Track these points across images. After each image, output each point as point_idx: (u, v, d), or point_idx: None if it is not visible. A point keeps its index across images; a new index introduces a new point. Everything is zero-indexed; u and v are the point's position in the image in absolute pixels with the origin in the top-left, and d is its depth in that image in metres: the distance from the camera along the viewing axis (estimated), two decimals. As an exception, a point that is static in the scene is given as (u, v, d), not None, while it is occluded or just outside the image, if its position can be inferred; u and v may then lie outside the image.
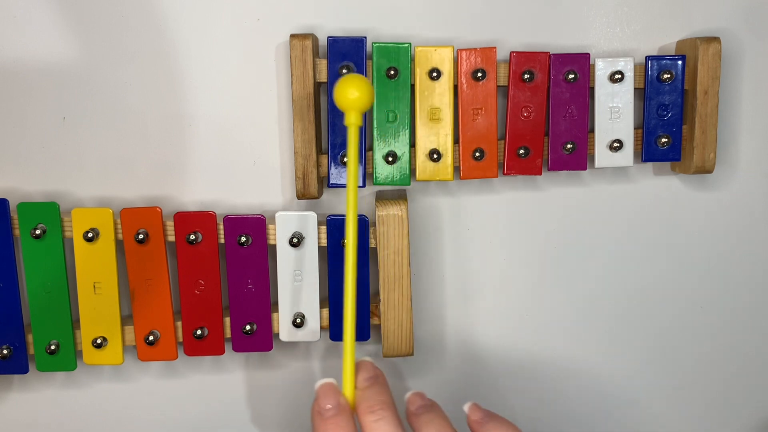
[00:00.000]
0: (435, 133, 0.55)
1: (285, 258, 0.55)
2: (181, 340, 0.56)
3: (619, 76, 0.55)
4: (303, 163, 0.54)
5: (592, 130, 0.56)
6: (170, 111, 0.57)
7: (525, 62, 0.55)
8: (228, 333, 0.56)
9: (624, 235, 0.61)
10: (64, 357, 0.55)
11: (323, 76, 0.54)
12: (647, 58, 0.55)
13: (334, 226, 0.55)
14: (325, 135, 0.55)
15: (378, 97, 0.54)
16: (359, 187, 0.55)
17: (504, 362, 0.62)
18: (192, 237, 0.54)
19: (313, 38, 0.54)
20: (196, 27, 0.56)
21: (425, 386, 0.61)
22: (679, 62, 0.55)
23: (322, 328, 0.56)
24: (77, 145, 0.57)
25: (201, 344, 0.56)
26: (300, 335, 0.56)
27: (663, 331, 0.62)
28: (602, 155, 0.56)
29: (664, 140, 0.56)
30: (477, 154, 0.55)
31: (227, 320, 0.56)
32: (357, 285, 0.55)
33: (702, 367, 0.63)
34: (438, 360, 0.61)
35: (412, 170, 0.56)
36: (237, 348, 0.56)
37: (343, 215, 0.55)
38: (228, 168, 0.57)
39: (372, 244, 0.55)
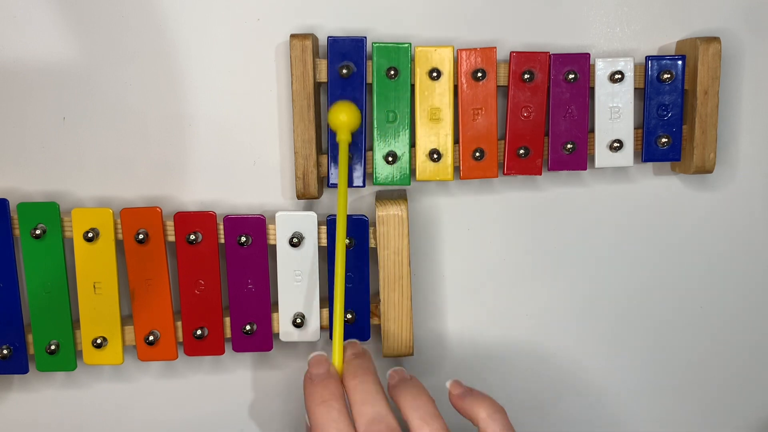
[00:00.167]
0: (435, 133, 0.55)
1: (285, 258, 0.55)
2: (181, 340, 0.56)
3: (619, 76, 0.55)
4: (303, 163, 0.54)
5: (592, 130, 0.56)
6: (170, 111, 0.57)
7: (525, 62, 0.55)
8: (228, 333, 0.56)
9: (624, 235, 0.61)
10: (64, 357, 0.55)
11: (323, 76, 0.54)
12: (647, 58, 0.55)
13: (335, 226, 0.54)
14: (325, 135, 0.55)
15: (378, 97, 0.54)
16: (359, 187, 0.55)
17: (504, 362, 0.62)
18: (192, 237, 0.54)
19: (313, 38, 0.54)
20: (196, 27, 0.56)
21: (425, 386, 0.61)
22: (679, 62, 0.55)
23: (322, 328, 0.56)
24: (77, 145, 0.57)
25: (201, 344, 0.56)
26: (300, 335, 0.56)
27: (663, 331, 0.62)
28: (602, 155, 0.56)
29: (664, 140, 0.56)
30: (477, 154, 0.55)
31: (227, 320, 0.56)
32: (357, 285, 0.56)
33: (702, 367, 0.63)
34: (438, 360, 0.61)
35: (412, 170, 0.56)
36: (237, 348, 0.56)
37: (343, 215, 0.55)
38: (228, 168, 0.57)
39: (372, 244, 0.55)
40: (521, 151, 0.55)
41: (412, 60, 0.54)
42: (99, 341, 0.55)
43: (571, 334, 0.62)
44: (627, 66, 0.55)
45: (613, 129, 0.56)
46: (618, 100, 0.56)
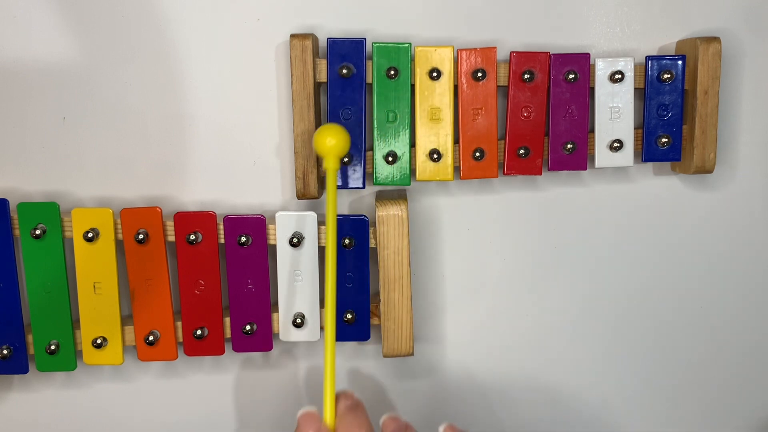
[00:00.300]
0: (435, 133, 0.55)
1: (285, 258, 0.55)
2: (181, 340, 0.56)
3: (619, 76, 0.55)
4: (303, 163, 0.54)
5: (592, 130, 0.56)
6: (170, 111, 0.57)
7: (525, 62, 0.55)
8: (228, 333, 0.56)
9: (624, 234, 0.61)
10: (64, 357, 0.55)
11: (323, 77, 0.54)
12: (647, 58, 0.55)
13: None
14: (325, 135, 0.55)
15: (378, 97, 0.54)
16: (359, 188, 0.55)
17: (504, 362, 0.62)
18: (192, 237, 0.54)
19: (313, 38, 0.54)
20: (196, 27, 0.56)
21: (425, 386, 0.61)
22: (679, 62, 0.55)
23: (322, 328, 0.56)
24: (77, 145, 0.57)
25: (201, 344, 0.56)
26: (300, 335, 0.56)
27: (663, 331, 0.62)
28: (602, 155, 0.56)
29: (664, 140, 0.56)
30: (477, 154, 0.55)
31: (227, 320, 0.56)
32: (357, 285, 0.56)
33: (702, 367, 0.63)
34: (438, 360, 0.61)
35: (412, 170, 0.56)
36: (237, 348, 0.56)
37: (343, 215, 0.55)
38: (228, 168, 0.57)
39: (372, 244, 0.55)
40: (521, 151, 0.55)
41: (412, 60, 0.54)
42: (99, 341, 0.55)
43: (571, 333, 0.62)
44: (627, 66, 0.55)
45: (613, 129, 0.56)
46: (618, 100, 0.55)
